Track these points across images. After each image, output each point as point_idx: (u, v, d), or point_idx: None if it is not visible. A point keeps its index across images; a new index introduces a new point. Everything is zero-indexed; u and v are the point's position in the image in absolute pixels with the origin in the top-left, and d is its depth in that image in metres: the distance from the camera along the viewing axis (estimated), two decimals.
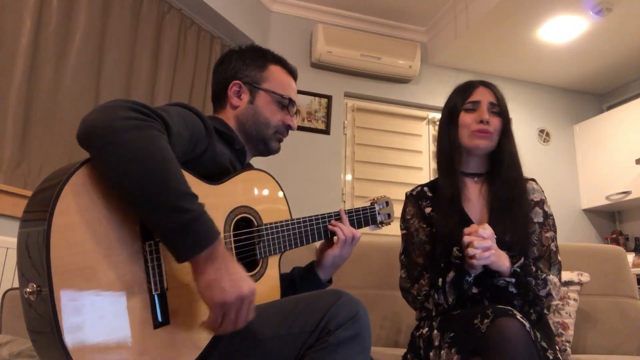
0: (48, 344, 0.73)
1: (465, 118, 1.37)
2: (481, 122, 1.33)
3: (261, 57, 1.21)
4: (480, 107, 1.36)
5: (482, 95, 1.37)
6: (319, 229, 1.19)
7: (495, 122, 1.35)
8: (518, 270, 1.19)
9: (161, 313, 0.82)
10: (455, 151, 1.38)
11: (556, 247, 1.33)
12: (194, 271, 0.81)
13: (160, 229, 0.78)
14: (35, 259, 0.73)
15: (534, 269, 1.23)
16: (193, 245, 0.78)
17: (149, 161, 0.77)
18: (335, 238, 1.19)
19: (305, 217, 1.17)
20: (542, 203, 1.37)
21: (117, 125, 0.76)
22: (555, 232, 1.35)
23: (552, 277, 1.26)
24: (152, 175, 0.76)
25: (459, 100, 1.39)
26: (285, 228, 1.12)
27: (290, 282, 1.25)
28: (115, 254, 0.78)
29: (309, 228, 1.17)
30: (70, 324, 0.70)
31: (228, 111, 1.19)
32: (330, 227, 1.20)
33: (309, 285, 1.21)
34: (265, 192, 1.13)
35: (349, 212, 1.26)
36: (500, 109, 1.36)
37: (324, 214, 1.21)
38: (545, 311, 1.33)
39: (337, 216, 1.22)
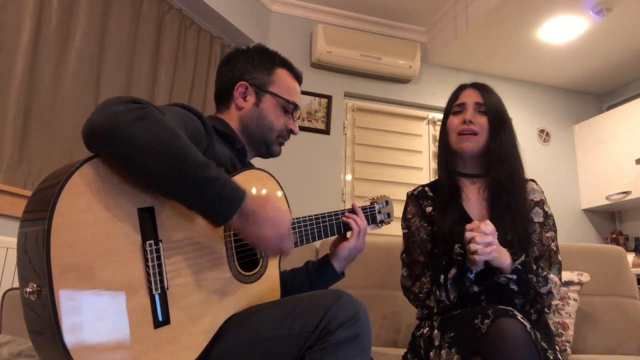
0: (48, 344, 0.72)
1: (453, 120, 1.39)
2: (464, 122, 1.34)
3: (269, 60, 1.22)
4: (466, 109, 1.37)
5: (467, 97, 1.38)
6: (319, 229, 1.20)
7: (481, 122, 1.35)
8: (519, 267, 1.19)
9: (162, 312, 0.82)
10: (450, 154, 1.39)
11: (556, 246, 1.33)
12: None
13: (196, 204, 0.84)
14: (35, 259, 0.73)
15: (534, 266, 1.24)
16: (227, 209, 0.86)
17: (164, 145, 0.80)
18: (348, 233, 1.24)
19: (305, 217, 1.17)
20: (542, 203, 1.37)
21: (121, 121, 0.77)
22: (555, 232, 1.36)
23: (553, 276, 1.26)
24: (173, 157, 0.80)
25: (449, 104, 1.43)
26: None
27: (306, 275, 1.25)
28: (116, 253, 0.78)
29: (308, 228, 1.17)
30: (70, 324, 0.70)
31: (232, 112, 1.19)
32: (344, 218, 1.24)
33: (325, 276, 1.24)
34: (265, 191, 1.13)
35: (350, 212, 1.27)
36: (487, 108, 1.36)
37: (324, 213, 1.22)
38: (547, 310, 1.33)
39: (337, 216, 1.24)
